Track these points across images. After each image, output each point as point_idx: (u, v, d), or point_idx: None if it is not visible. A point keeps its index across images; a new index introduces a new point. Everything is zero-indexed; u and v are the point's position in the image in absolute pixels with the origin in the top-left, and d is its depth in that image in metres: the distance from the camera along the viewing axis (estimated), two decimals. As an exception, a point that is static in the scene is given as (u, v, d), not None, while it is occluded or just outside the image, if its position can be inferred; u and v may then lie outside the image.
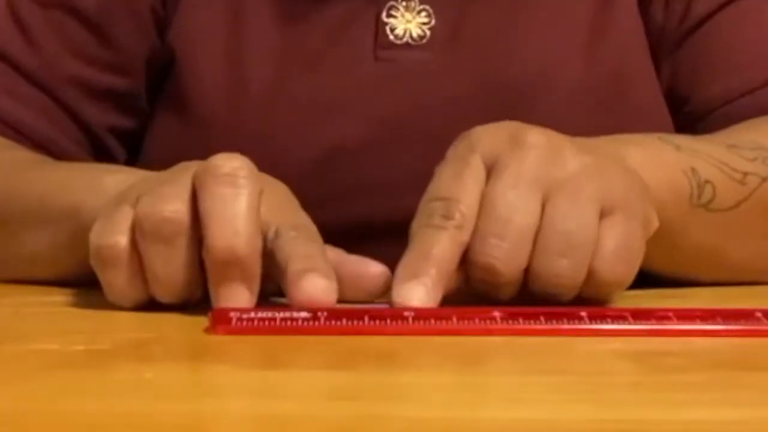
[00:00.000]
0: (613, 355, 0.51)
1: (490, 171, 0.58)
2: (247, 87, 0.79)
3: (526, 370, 0.48)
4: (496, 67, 0.80)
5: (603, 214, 0.57)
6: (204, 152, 0.60)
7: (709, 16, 0.82)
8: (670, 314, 0.54)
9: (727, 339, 0.53)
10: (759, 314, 0.54)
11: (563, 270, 0.56)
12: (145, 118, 0.82)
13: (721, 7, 0.81)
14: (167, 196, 0.57)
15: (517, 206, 0.57)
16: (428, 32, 0.80)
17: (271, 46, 0.79)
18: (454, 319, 0.54)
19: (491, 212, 0.57)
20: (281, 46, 0.80)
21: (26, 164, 0.76)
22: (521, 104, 0.79)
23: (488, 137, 0.60)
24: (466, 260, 0.57)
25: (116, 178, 0.66)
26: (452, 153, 0.60)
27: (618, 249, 0.57)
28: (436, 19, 0.80)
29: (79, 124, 0.81)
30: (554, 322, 0.53)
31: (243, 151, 0.59)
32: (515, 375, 0.47)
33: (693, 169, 0.66)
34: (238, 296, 0.56)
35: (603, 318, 0.54)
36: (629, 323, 0.54)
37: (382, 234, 0.76)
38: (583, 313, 0.54)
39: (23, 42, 0.80)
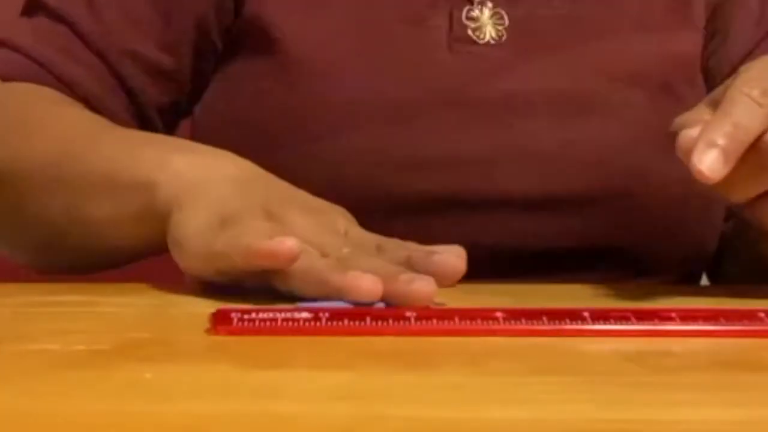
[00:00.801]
0: (615, 355, 0.51)
1: None
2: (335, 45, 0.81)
3: (528, 370, 0.48)
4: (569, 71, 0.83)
5: None
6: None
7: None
8: (673, 314, 0.54)
9: (728, 339, 0.53)
10: (762, 314, 0.54)
11: None
12: (185, 95, 0.85)
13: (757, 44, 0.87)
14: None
15: None
16: (504, 33, 0.82)
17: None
18: (456, 320, 0.53)
19: None
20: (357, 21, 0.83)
21: (89, 125, 0.78)
22: (592, 106, 0.81)
23: None
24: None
25: (186, 158, 0.69)
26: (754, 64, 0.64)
27: None
28: (509, 19, 0.83)
29: (130, 95, 0.84)
30: (557, 322, 0.53)
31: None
32: (516, 375, 0.47)
33: None
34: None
35: (606, 318, 0.54)
36: (632, 323, 0.53)
37: (447, 207, 0.77)
38: (586, 314, 0.54)
39: (86, 9, 0.83)
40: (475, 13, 0.82)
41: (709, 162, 0.59)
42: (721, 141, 0.59)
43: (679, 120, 0.66)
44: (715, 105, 0.64)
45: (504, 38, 0.82)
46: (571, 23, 0.83)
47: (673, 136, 0.64)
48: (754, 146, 0.60)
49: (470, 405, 0.42)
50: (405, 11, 0.82)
